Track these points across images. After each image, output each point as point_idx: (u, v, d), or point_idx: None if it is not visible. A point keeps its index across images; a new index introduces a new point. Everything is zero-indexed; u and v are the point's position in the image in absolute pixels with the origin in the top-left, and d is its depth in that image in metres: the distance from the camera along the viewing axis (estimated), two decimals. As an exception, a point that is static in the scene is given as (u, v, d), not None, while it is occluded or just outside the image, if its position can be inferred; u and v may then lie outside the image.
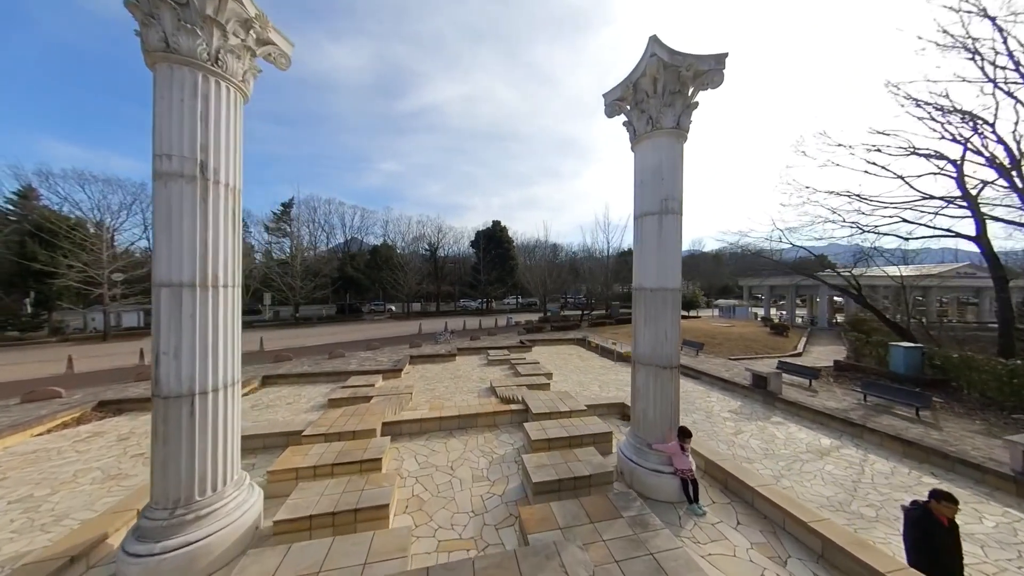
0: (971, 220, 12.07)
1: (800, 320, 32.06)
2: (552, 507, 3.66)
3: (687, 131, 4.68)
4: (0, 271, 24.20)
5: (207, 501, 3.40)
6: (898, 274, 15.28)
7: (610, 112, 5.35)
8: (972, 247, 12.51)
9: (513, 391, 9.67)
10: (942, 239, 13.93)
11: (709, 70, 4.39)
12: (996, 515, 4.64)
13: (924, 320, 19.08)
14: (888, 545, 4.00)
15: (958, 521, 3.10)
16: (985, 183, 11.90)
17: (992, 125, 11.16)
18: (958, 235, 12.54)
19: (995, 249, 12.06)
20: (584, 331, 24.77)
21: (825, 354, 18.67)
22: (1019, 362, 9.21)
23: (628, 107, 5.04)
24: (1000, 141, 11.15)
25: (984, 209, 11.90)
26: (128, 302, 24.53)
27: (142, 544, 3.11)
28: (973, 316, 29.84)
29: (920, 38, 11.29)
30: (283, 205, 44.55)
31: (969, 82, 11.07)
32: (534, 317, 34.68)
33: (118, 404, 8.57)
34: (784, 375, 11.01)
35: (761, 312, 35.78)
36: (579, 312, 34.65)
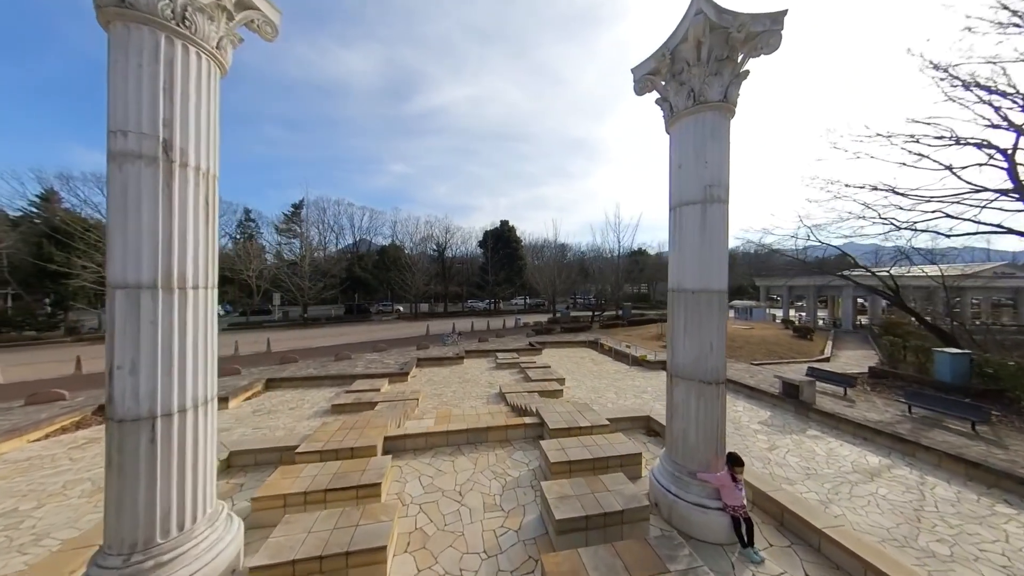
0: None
1: (822, 322, 30.69)
2: (581, 556, 3.02)
3: (735, 105, 3.99)
4: (19, 272, 24.58)
5: (172, 543, 2.85)
6: (938, 273, 14.16)
7: (640, 89, 4.68)
8: (1005, 246, 11.38)
9: (524, 398, 9.07)
10: (989, 236, 12.81)
11: (763, 31, 3.70)
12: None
13: (965, 324, 17.83)
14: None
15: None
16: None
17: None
18: (1010, 231, 11.45)
19: None
20: (595, 333, 24.00)
21: (855, 359, 17.59)
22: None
23: (663, 81, 4.37)
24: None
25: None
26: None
27: (91, 598, 2.59)
28: (1009, 319, 28.12)
29: (969, 16, 10.31)
30: (293, 206, 44.81)
31: (1025, 62, 10.01)
32: (543, 318, 33.96)
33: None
34: (817, 383, 10.14)
35: (779, 314, 34.42)
36: (589, 313, 33.81)
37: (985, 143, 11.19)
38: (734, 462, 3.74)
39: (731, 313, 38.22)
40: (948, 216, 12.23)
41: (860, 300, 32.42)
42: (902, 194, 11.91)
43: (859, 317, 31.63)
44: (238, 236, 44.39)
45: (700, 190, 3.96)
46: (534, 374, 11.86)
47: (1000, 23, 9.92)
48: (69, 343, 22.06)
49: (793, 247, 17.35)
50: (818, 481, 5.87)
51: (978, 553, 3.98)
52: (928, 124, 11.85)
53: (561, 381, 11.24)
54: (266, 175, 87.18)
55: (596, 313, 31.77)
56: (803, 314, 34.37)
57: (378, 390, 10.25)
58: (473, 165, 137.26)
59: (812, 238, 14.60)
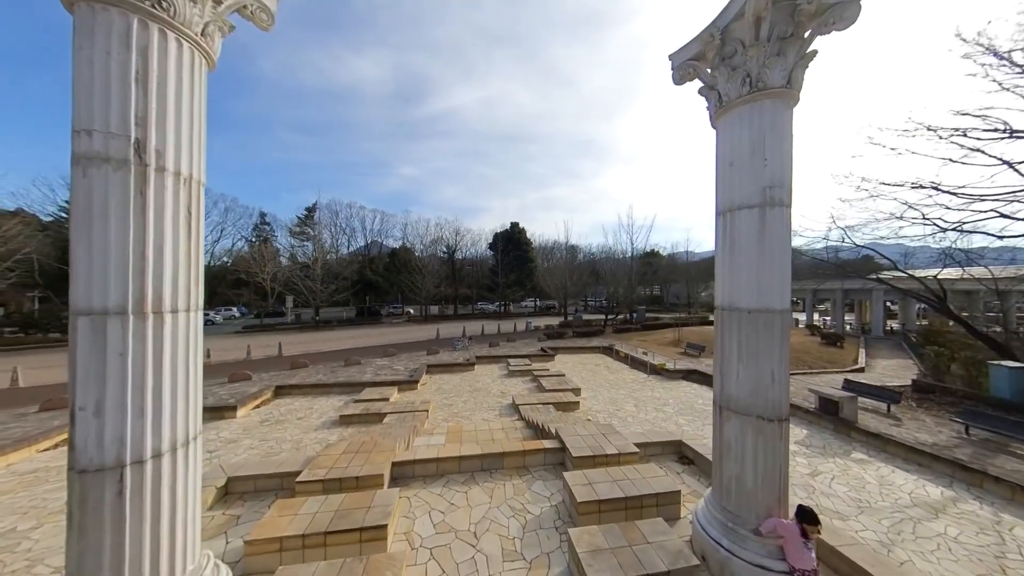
0: None
1: (849, 327, 29.20)
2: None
3: (799, 91, 3.39)
4: (47, 275, 25.28)
5: (144, 611, 2.43)
6: (988, 276, 13.00)
7: (680, 77, 4.11)
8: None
9: (540, 413, 8.55)
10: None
11: (838, 3, 3.10)
12: None
13: (1020, 333, 16.45)
14: None
15: None
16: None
17: None
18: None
19: None
20: (609, 338, 23.29)
21: (891, 369, 16.47)
22: None
23: (709, 68, 3.79)
24: None
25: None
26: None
27: None
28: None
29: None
30: (307, 210, 45.34)
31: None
32: (554, 321, 33.32)
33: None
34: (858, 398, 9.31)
35: (802, 318, 32.97)
36: (601, 316, 33.01)
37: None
38: (807, 518, 3.11)
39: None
40: (1002, 216, 11.17)
41: (888, 304, 30.75)
42: (952, 192, 10.91)
43: (887, 322, 30.02)
44: (253, 239, 45.17)
45: (758, 192, 3.37)
46: (548, 383, 11.37)
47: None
48: (89, 345, 22.53)
49: (824, 248, 16.33)
50: (874, 516, 5.21)
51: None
52: (978, 116, 10.84)
53: (577, 392, 10.70)
54: (281, 179, 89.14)
55: (609, 316, 30.96)
56: (827, 319, 32.81)
57: (387, 399, 9.95)
58: (482, 167, 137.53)
59: (847, 240, 13.64)
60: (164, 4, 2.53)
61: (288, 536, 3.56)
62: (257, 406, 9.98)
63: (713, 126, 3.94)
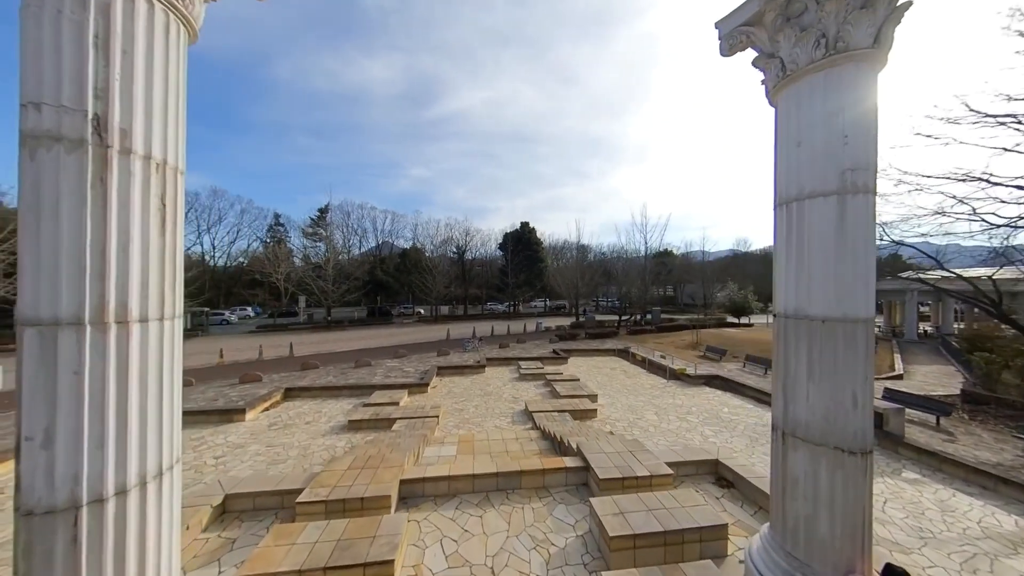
0: None
1: (879, 329, 27.73)
2: None
3: (888, 53, 2.79)
4: None
5: None
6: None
7: (729, 47, 3.54)
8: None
9: (555, 421, 8.06)
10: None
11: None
12: None
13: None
14: None
15: None
16: None
17: None
18: None
19: None
20: (623, 340, 22.57)
21: (932, 375, 15.34)
22: None
23: (768, 33, 3.22)
24: None
25: None
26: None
27: None
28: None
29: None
30: (320, 210, 45.81)
31: None
32: (565, 322, 32.65)
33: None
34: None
35: (826, 319, 31.50)
36: (614, 317, 32.19)
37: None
38: (899, 577, 2.54)
39: (767, 319, 35.45)
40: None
41: (923, 306, 29.07)
42: (1014, 185, 9.87)
43: (920, 324, 28.43)
44: (268, 240, 45.88)
45: (835, 176, 2.79)
46: (562, 388, 10.86)
47: None
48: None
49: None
50: (941, 549, 4.56)
51: None
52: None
53: (593, 398, 10.16)
54: (296, 181, 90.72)
55: (623, 317, 30.14)
56: (854, 320, 31.22)
57: (397, 403, 9.64)
58: (491, 167, 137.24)
59: (885, 238, 12.67)
60: (129, -46, 2.12)
61: (283, 572, 3.15)
62: (266, 408, 9.82)
63: (771, 103, 3.36)
